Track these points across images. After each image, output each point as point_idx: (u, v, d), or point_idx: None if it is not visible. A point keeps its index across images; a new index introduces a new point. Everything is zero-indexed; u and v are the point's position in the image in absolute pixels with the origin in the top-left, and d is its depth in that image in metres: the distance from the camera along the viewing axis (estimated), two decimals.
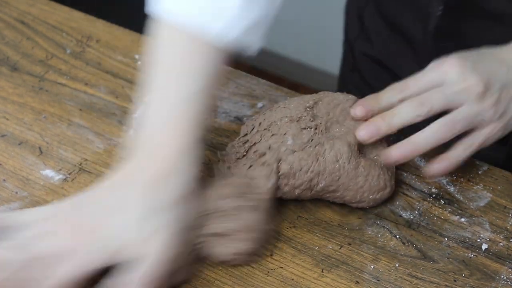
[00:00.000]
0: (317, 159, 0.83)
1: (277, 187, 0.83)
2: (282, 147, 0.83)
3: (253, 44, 0.82)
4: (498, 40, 0.90)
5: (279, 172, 0.83)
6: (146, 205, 0.76)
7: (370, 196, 0.85)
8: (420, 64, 0.91)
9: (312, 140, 0.84)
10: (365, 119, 0.85)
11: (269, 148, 0.83)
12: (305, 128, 0.84)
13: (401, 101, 0.85)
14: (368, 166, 0.85)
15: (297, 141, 0.83)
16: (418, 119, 0.84)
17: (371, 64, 1.11)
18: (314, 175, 0.83)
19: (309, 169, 0.83)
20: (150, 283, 0.74)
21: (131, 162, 0.78)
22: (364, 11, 1.12)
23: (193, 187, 0.78)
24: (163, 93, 0.80)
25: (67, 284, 0.73)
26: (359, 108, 0.86)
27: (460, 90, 0.84)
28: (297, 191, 0.84)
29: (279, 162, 0.83)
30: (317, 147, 0.83)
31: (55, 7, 1.07)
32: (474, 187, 0.89)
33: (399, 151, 0.85)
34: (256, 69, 2.02)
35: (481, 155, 0.90)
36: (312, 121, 0.85)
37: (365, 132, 0.85)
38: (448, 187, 0.89)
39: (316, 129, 0.84)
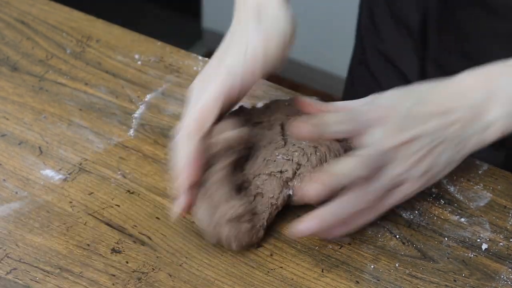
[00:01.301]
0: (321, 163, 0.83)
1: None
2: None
3: None
4: (498, 33, 0.90)
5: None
6: None
7: None
8: (421, 60, 0.90)
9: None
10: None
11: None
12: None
13: None
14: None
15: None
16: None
17: (379, 58, 1.11)
18: None
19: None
20: None
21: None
22: (374, 5, 1.12)
23: None
24: None
25: None
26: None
27: (383, 151, 0.78)
28: None
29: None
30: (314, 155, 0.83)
31: (55, 7, 1.07)
32: (474, 187, 0.89)
33: (304, 227, 0.80)
34: None
35: (479, 158, 0.90)
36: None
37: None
38: (448, 187, 0.89)
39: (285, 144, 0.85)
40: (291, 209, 0.86)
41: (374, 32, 1.12)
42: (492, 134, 0.80)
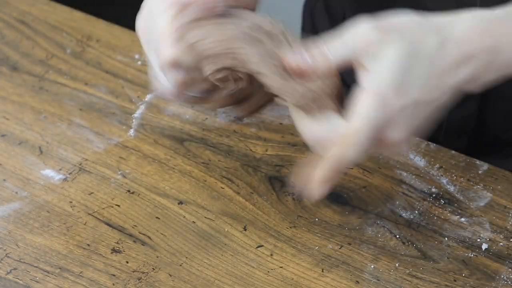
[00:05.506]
0: None
1: None
2: None
3: None
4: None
5: None
6: None
7: None
8: None
9: None
10: None
11: None
12: None
13: None
14: None
15: None
16: None
17: None
18: None
19: None
20: None
21: None
22: (314, 7, 1.13)
23: None
24: None
25: None
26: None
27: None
28: None
29: None
30: None
31: (55, 7, 1.07)
32: (474, 187, 0.89)
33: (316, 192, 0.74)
34: None
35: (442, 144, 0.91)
36: None
37: None
38: (448, 186, 0.89)
39: None
40: (292, 210, 0.86)
41: (314, 34, 1.13)
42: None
